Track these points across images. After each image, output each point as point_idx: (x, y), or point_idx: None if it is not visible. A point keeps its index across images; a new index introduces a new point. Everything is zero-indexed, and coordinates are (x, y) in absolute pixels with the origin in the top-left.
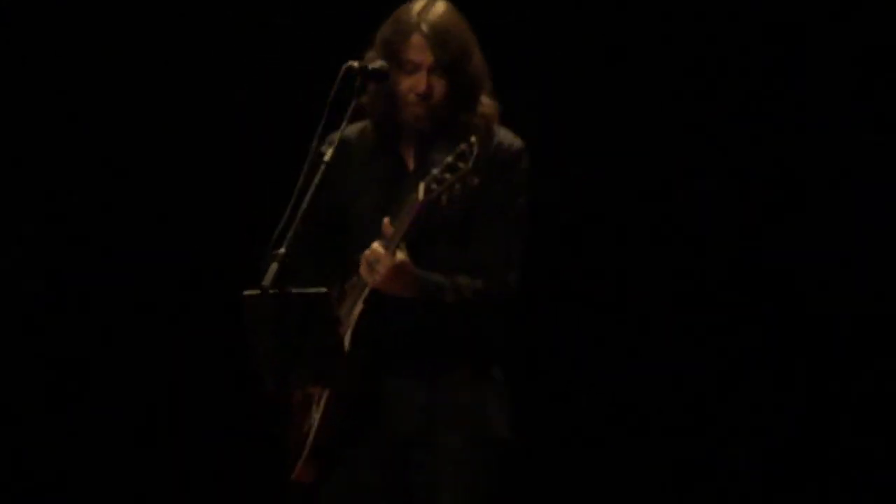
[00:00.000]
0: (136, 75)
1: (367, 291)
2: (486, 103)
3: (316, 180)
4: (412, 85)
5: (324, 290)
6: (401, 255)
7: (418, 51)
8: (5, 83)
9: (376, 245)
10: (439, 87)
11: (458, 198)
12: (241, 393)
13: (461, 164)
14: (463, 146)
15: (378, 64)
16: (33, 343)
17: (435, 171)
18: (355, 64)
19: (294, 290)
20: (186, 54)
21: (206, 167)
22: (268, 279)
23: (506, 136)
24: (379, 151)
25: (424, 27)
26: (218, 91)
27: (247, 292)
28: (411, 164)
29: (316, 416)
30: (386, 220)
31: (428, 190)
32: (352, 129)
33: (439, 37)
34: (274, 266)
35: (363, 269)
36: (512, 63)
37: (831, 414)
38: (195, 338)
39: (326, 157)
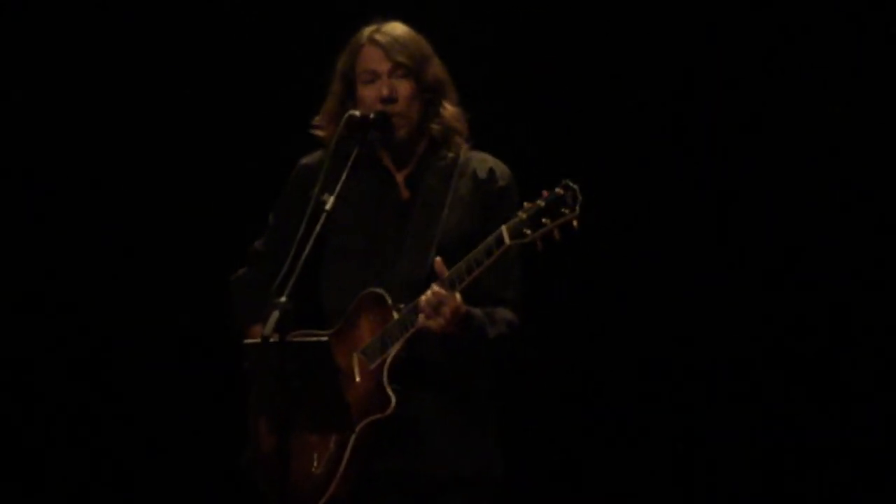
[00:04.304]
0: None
1: (413, 331)
2: (452, 110)
3: (317, 229)
4: (375, 92)
5: (324, 338)
6: (458, 297)
7: (373, 60)
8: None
9: (437, 288)
10: (403, 89)
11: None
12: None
13: (565, 211)
14: (559, 191)
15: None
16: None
17: (523, 215)
18: (357, 113)
19: (295, 340)
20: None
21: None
22: (269, 328)
23: (497, 164)
24: (369, 182)
25: (377, 36)
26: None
27: (248, 341)
28: (405, 193)
29: (324, 460)
30: (438, 259)
31: (518, 235)
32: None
33: (394, 42)
34: (275, 314)
35: (427, 313)
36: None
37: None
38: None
39: (328, 207)
